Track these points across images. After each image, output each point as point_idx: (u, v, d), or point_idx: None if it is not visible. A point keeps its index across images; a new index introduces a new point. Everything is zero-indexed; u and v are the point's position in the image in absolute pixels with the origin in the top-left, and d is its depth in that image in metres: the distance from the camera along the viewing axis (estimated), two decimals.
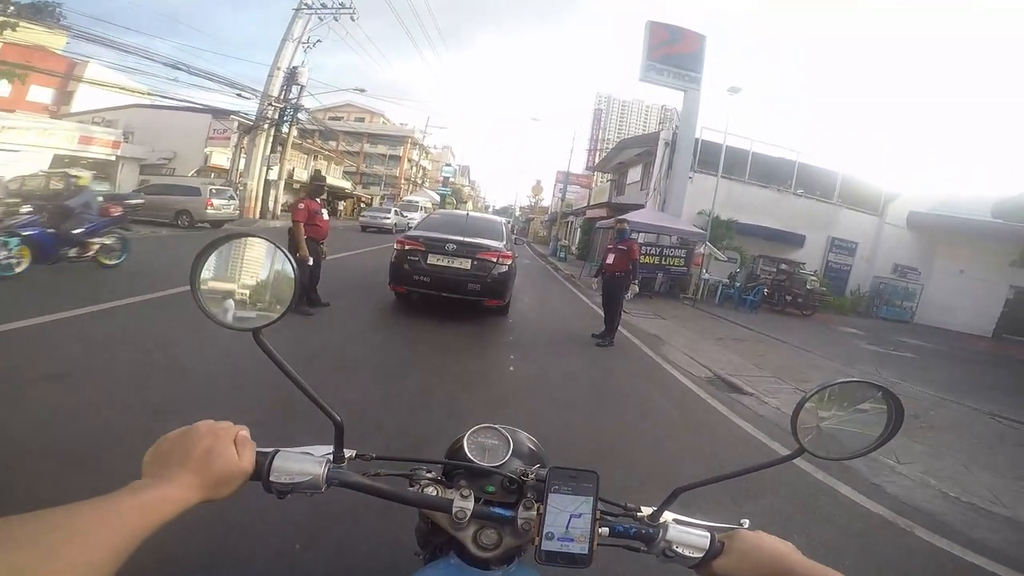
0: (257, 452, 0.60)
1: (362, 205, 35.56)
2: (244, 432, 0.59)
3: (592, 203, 24.05)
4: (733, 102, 13.65)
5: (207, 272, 0.61)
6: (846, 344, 9.77)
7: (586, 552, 0.61)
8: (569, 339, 6.27)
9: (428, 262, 5.69)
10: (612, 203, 19.82)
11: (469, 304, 6.03)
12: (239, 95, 17.89)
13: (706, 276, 12.83)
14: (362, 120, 48.51)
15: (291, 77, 18.42)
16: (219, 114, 20.60)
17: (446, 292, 5.72)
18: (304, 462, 0.62)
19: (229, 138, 20.62)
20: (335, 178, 33.12)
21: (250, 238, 0.64)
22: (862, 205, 16.85)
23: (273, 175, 19.58)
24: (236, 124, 20.16)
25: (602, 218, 16.13)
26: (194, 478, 0.51)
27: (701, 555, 0.64)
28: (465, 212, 8.07)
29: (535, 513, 0.63)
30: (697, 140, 14.58)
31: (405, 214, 25.68)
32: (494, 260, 5.77)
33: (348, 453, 0.70)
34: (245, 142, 19.34)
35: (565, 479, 0.63)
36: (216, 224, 14.66)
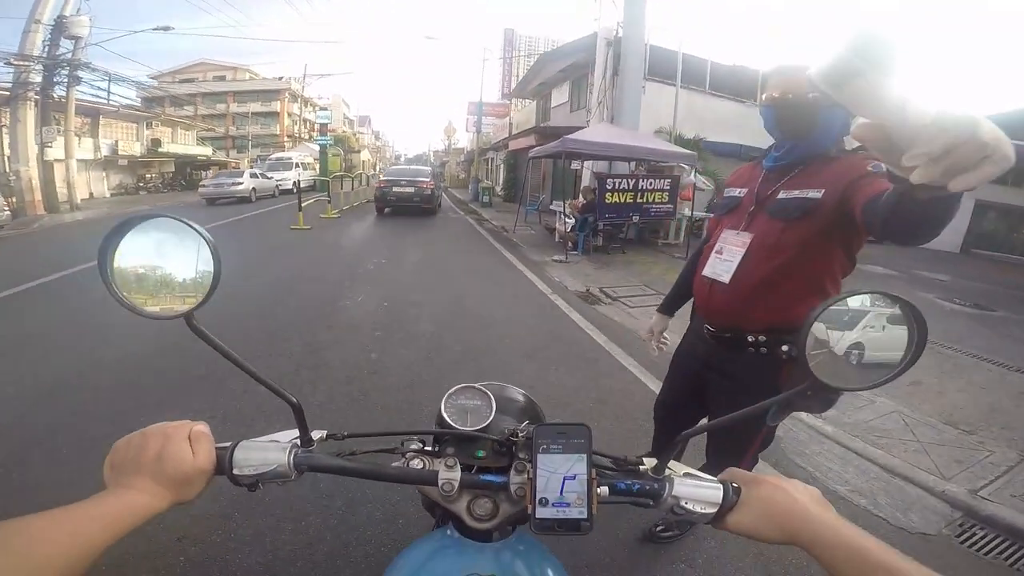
0: (217, 447, 0.57)
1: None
2: (200, 427, 0.56)
3: (515, 132, 19.36)
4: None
5: (119, 262, 0.54)
6: None
7: (585, 516, 0.55)
8: None
9: (393, 190, 12.75)
10: (541, 128, 15.62)
11: (414, 209, 13.01)
12: None
13: (698, 213, 9.25)
14: (222, 78, 41.49)
15: (58, 29, 12.88)
16: None
17: (402, 204, 12.76)
18: (267, 450, 0.59)
19: None
20: (185, 145, 26.99)
21: (156, 218, 0.55)
22: None
23: (57, 153, 13.76)
24: None
25: (532, 146, 12.28)
26: (153, 483, 0.49)
27: (715, 509, 0.57)
28: (407, 166, 17.42)
29: (527, 477, 0.58)
30: (646, 45, 10.92)
31: (271, 175, 20.09)
32: (424, 186, 12.90)
33: (318, 434, 0.65)
34: (6, 119, 13.61)
35: (553, 436, 0.57)
36: None
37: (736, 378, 1.39)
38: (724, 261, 1.36)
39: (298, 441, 0.63)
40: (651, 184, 7.94)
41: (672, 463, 0.63)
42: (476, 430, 0.66)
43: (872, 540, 0.46)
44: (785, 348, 1.26)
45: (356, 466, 0.62)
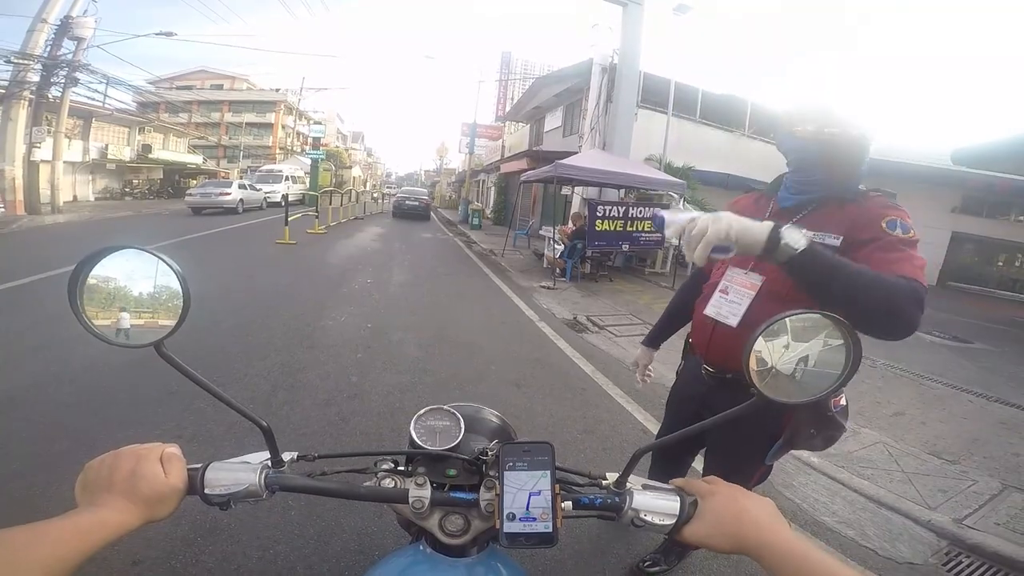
0: (189, 468, 0.59)
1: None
2: (171, 449, 0.58)
3: (508, 155, 19.53)
4: (679, 26, 10.18)
5: (88, 292, 0.56)
6: None
7: (550, 530, 0.56)
8: None
9: (405, 203, 20.19)
10: (534, 151, 15.77)
11: (417, 216, 19.96)
12: None
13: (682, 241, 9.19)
14: (220, 87, 41.60)
15: (63, 29, 12.75)
16: None
17: (408, 213, 19.82)
18: (238, 471, 0.61)
19: None
20: (176, 152, 26.86)
21: (124, 250, 0.57)
22: None
23: (45, 154, 13.51)
24: None
25: (524, 170, 12.33)
26: (125, 501, 0.50)
27: (672, 521, 0.59)
28: (413, 187, 28.17)
29: (495, 493, 0.60)
30: (640, 72, 11.18)
31: (260, 187, 19.92)
32: (423, 201, 20.54)
33: (288, 456, 0.68)
34: None
35: (519, 454, 0.60)
36: None
37: (736, 420, 1.35)
38: (731, 303, 1.28)
39: (269, 462, 0.65)
40: (641, 212, 7.96)
41: (632, 477, 0.65)
42: (444, 450, 0.67)
43: (819, 551, 0.47)
44: None
45: (327, 485, 0.63)
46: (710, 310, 1.31)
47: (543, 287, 7.37)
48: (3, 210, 10.41)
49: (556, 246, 8.19)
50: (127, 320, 0.58)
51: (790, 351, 0.60)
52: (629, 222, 7.85)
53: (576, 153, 10.39)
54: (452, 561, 0.65)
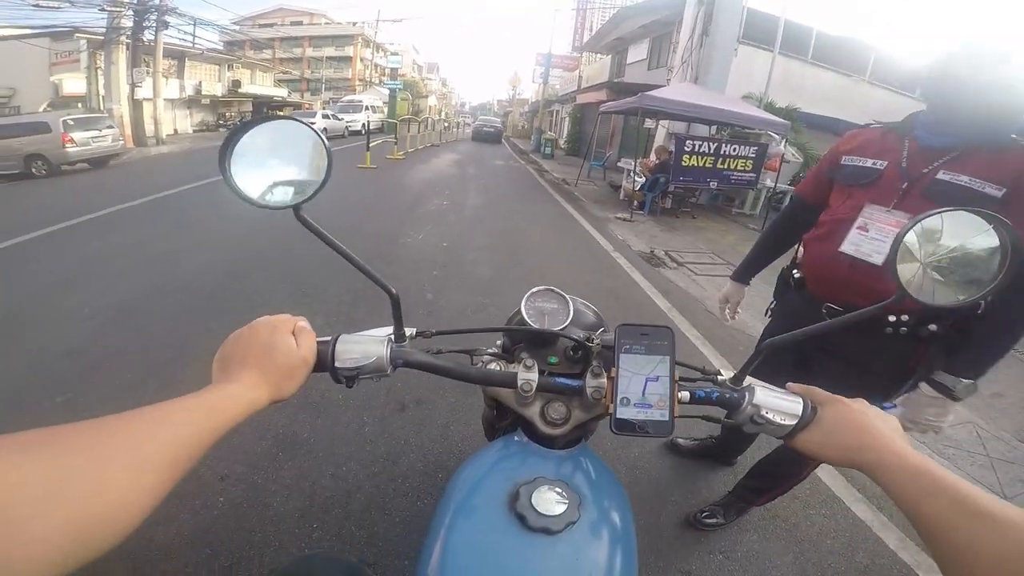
0: (318, 341, 0.58)
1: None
2: (302, 323, 0.57)
3: (585, 86, 18.29)
4: None
5: (237, 158, 0.57)
6: None
7: (667, 419, 0.55)
8: None
9: (482, 129, 24.41)
10: (615, 83, 14.68)
11: (491, 139, 23.81)
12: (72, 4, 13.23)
13: (782, 186, 8.26)
14: (299, 23, 42.76)
15: None
16: (59, 35, 15.63)
17: (486, 135, 23.88)
18: (367, 343, 0.60)
19: (78, 60, 15.92)
20: (263, 86, 27.90)
21: (276, 121, 0.58)
22: None
23: (146, 92, 14.76)
24: (85, 43, 15.46)
25: (603, 101, 11.51)
26: (259, 375, 0.50)
27: (793, 423, 0.55)
28: (490, 116, 34.35)
29: (604, 380, 0.59)
30: (743, 8, 9.88)
31: (342, 116, 20.82)
32: (496, 127, 25.36)
33: (409, 331, 0.68)
34: (100, 60, 14.82)
35: (636, 337, 0.57)
36: (96, 163, 10.77)
37: (861, 363, 1.25)
38: (873, 240, 1.18)
39: (392, 336, 0.65)
40: (735, 150, 7.22)
41: (748, 377, 0.62)
42: (556, 331, 0.68)
43: (944, 470, 0.43)
44: (933, 327, 1.13)
45: (444, 364, 0.63)
46: (848, 247, 1.21)
47: (619, 218, 7.07)
48: (123, 143, 11.48)
49: (636, 179, 7.72)
50: (267, 184, 0.59)
51: (940, 250, 0.55)
52: (720, 159, 7.16)
53: (662, 87, 9.50)
54: (547, 451, 0.65)
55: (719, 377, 0.63)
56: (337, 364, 0.58)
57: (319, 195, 0.57)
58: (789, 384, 0.59)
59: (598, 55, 22.04)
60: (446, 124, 24.52)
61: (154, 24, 14.13)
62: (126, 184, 7.56)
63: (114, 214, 5.33)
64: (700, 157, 7.08)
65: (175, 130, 22.24)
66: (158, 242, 4.27)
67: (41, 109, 15.44)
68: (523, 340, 0.71)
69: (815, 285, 1.32)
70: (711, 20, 9.62)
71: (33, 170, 9.83)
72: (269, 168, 0.59)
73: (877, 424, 0.50)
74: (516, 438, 0.68)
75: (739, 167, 7.26)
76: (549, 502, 0.56)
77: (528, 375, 0.61)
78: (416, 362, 0.62)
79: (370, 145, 10.88)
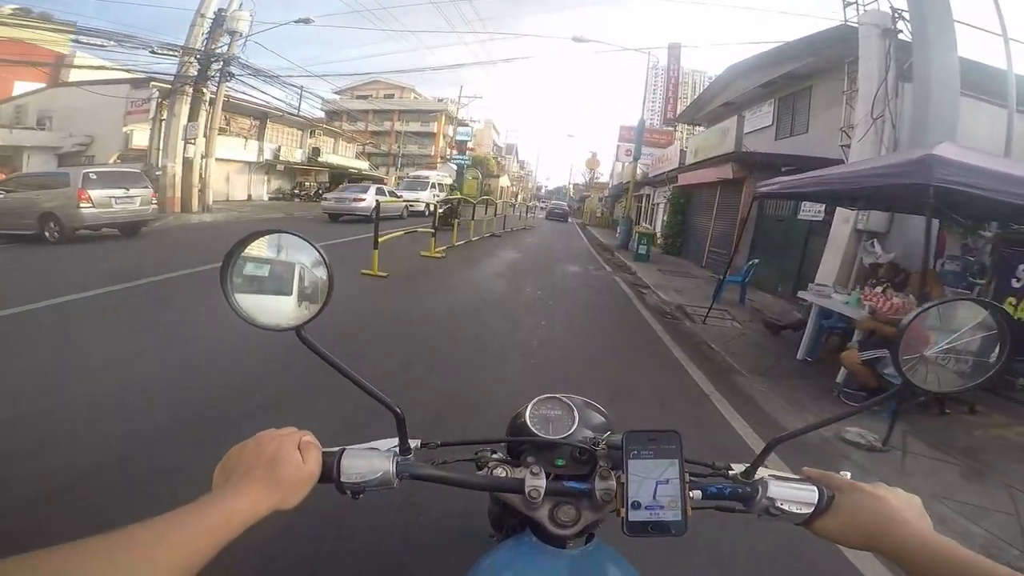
0: (323, 453, 0.59)
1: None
2: (308, 437, 0.58)
3: (692, 160, 13.69)
4: None
5: (237, 276, 0.60)
6: None
7: (680, 519, 0.56)
8: None
9: (553, 211, 36.14)
10: (746, 154, 10.47)
11: (560, 218, 33.98)
12: (152, 52, 12.60)
13: None
14: (391, 97, 44.88)
15: (217, 22, 12.98)
16: (138, 82, 15.65)
17: (555, 216, 34.25)
18: (372, 458, 0.61)
19: (148, 110, 15.46)
20: (343, 156, 28.05)
21: (277, 234, 0.62)
22: None
23: (198, 150, 13.59)
24: (155, 92, 15.11)
25: (726, 180, 8.18)
26: (261, 488, 0.50)
27: (809, 511, 0.57)
28: (559, 201, 50.06)
29: (613, 483, 0.60)
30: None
31: (403, 193, 17.62)
32: (564, 208, 37.90)
33: (413, 444, 0.68)
34: (165, 112, 13.95)
35: (644, 442, 0.59)
36: (125, 230, 9.38)
37: None
38: None
39: (396, 449, 0.65)
40: None
41: (759, 468, 0.63)
42: (561, 439, 0.70)
43: (968, 551, 0.44)
44: None
45: (452, 476, 0.64)
46: None
47: (851, 442, 3.11)
48: (154, 207, 9.83)
49: (856, 335, 4.04)
50: (271, 303, 0.60)
51: (940, 339, 0.58)
52: None
53: (814, 157, 6.01)
54: (558, 551, 0.65)
55: (729, 472, 0.65)
56: (343, 479, 0.58)
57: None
58: (804, 469, 0.61)
59: (697, 126, 19.05)
60: (512, 206, 21.37)
61: (227, 75, 13.26)
62: (126, 260, 6.55)
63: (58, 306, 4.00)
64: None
65: (249, 196, 21.59)
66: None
67: (111, 161, 15.10)
68: (528, 445, 0.72)
69: None
70: (908, 58, 6.25)
71: (46, 233, 8.35)
72: (271, 283, 0.61)
73: (898, 509, 0.51)
74: (526, 539, 0.68)
75: None
76: None
77: (535, 482, 0.61)
78: (423, 475, 0.62)
79: (378, 240, 7.21)
